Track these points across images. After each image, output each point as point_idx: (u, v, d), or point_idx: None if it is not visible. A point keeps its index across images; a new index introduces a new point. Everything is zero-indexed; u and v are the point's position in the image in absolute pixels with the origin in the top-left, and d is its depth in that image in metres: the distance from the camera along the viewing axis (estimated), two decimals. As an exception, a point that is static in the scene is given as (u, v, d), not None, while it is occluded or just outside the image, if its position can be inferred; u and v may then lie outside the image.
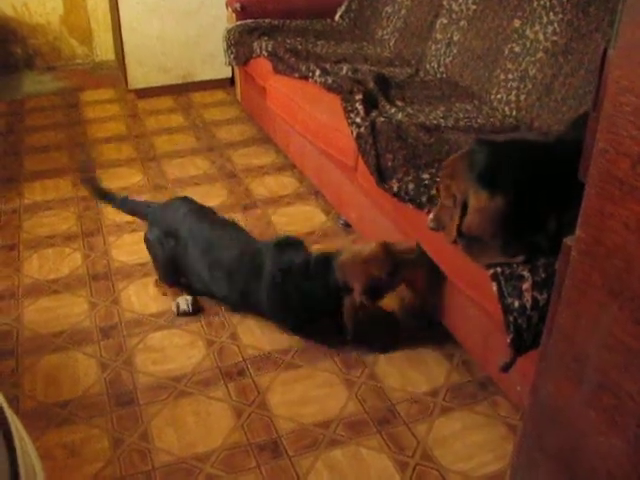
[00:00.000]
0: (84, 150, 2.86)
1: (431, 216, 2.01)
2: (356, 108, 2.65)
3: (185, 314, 2.47)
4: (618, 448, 1.12)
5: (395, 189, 2.27)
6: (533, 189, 1.81)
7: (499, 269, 1.80)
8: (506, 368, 1.79)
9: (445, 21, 3.19)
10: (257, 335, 2.40)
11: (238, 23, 3.88)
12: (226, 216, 2.65)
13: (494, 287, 1.78)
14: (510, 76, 2.73)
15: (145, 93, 4.59)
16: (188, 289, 2.52)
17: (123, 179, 3.49)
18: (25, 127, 4.19)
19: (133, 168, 3.62)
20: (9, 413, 1.21)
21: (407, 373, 2.21)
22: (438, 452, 1.92)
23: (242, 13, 3.94)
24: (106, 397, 2.12)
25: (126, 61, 4.46)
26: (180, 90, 4.67)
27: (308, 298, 2.23)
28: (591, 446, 1.19)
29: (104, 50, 5.37)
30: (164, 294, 2.56)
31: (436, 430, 2.00)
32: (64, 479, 1.84)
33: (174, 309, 2.48)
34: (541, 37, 2.62)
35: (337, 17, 4.11)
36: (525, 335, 1.72)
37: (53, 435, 1.98)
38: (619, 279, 1.07)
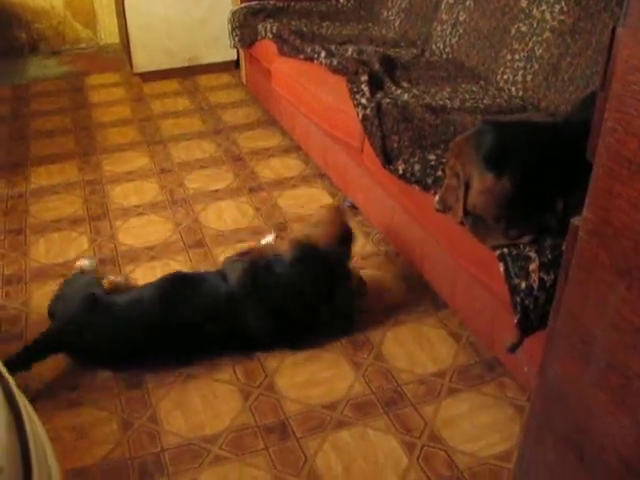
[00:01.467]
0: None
1: (437, 197, 2.00)
2: (362, 89, 2.64)
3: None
4: (627, 428, 1.13)
5: (401, 171, 2.26)
6: (540, 170, 1.80)
7: (506, 250, 1.80)
8: (513, 349, 1.79)
9: (451, 1, 3.16)
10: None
11: (243, 5, 3.86)
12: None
13: (501, 268, 1.78)
14: (517, 56, 2.71)
15: (150, 76, 4.57)
16: None
17: (129, 163, 3.49)
18: (30, 112, 4.19)
19: (139, 152, 3.62)
20: (19, 396, 1.22)
21: (414, 354, 2.21)
22: (445, 433, 1.93)
23: (247, -5, 3.93)
24: (114, 381, 2.13)
25: (131, 44, 4.44)
26: (185, 73, 4.65)
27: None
28: (599, 426, 1.19)
29: (108, 33, 5.35)
30: None
31: (443, 411, 2.00)
32: (74, 460, 1.86)
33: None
34: (548, 16, 2.60)
35: (342, -2, 4.09)
36: (532, 316, 1.73)
37: (62, 418, 1.99)
38: (627, 259, 1.07)
